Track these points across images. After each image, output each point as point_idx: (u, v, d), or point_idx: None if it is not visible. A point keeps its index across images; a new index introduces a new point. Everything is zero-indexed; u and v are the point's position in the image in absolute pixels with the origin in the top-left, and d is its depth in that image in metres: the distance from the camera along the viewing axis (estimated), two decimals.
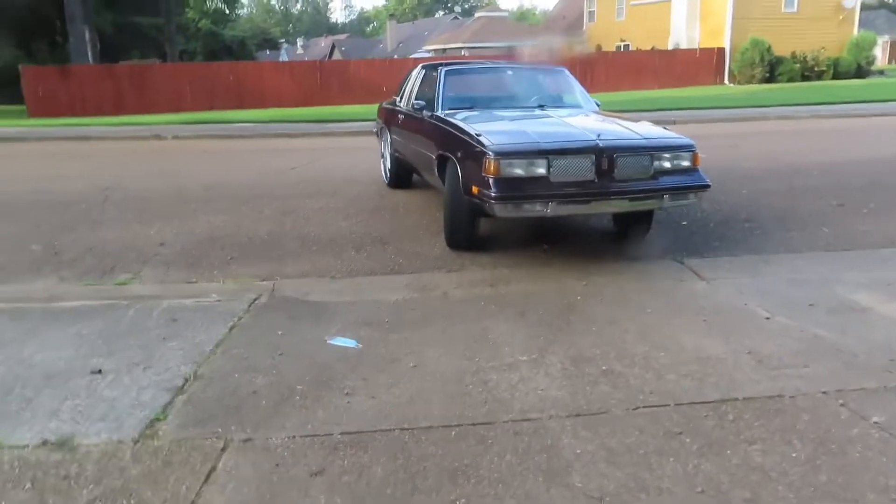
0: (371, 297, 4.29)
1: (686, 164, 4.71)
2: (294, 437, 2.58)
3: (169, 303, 4.10)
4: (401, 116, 6.97)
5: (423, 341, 3.47)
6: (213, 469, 2.39)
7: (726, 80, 28.45)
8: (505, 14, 49.24)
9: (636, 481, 2.26)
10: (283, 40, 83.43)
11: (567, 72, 6.77)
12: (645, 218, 5.39)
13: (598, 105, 6.28)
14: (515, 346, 3.37)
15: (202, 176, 8.76)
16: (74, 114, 19.50)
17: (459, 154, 4.89)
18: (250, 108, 20.68)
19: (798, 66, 28.13)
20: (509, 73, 6.72)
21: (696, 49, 28.31)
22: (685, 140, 4.79)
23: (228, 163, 10.12)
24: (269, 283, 4.58)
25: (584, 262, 4.93)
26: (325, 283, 4.60)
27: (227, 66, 21.79)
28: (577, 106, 6.17)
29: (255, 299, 4.15)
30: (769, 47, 27.48)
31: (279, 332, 3.60)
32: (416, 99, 6.33)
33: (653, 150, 4.64)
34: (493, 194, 4.42)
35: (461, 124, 5.16)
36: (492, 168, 4.45)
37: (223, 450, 2.51)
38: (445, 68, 6.33)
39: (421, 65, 7.32)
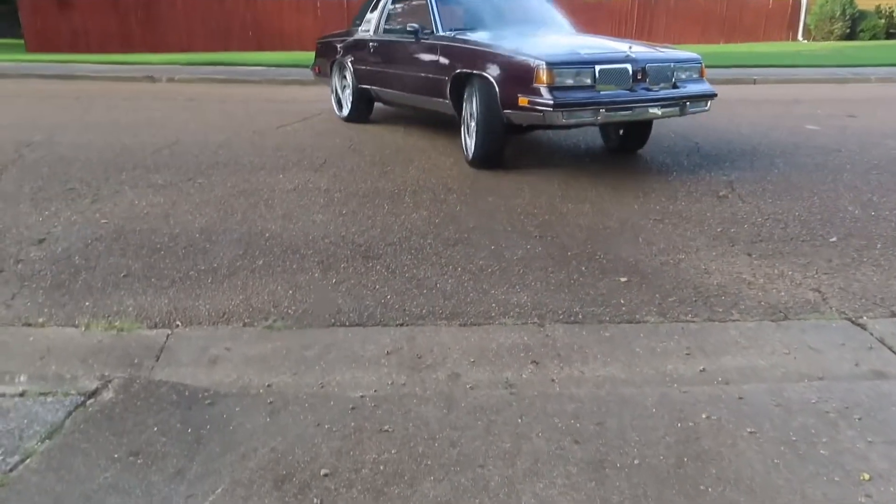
0: (320, 380, 2.36)
1: (696, 75, 5.25)
2: None
3: None
4: (373, 44, 6.84)
5: None
6: None
7: (800, 36, 25.31)
8: None
9: None
10: None
11: None
12: (645, 133, 5.89)
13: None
14: None
15: (166, 132, 6.83)
16: (77, 50, 17.58)
17: (495, 70, 5.02)
18: (268, 51, 18.59)
19: (883, 21, 24.84)
20: None
21: None
22: (694, 55, 5.35)
23: (210, 114, 8.19)
24: (160, 334, 2.72)
25: (686, 311, 2.90)
26: (252, 340, 2.68)
27: (244, 1, 19.55)
28: (569, 30, 6.46)
29: (91, 393, 2.21)
30: (852, 0, 24.25)
31: None
32: (405, 25, 6.18)
33: (672, 62, 5.10)
34: (549, 102, 4.62)
35: (490, 42, 5.32)
36: (545, 78, 4.66)
37: None
38: None
39: None
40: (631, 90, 4.83)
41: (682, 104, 5.00)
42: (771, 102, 9.40)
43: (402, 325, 2.81)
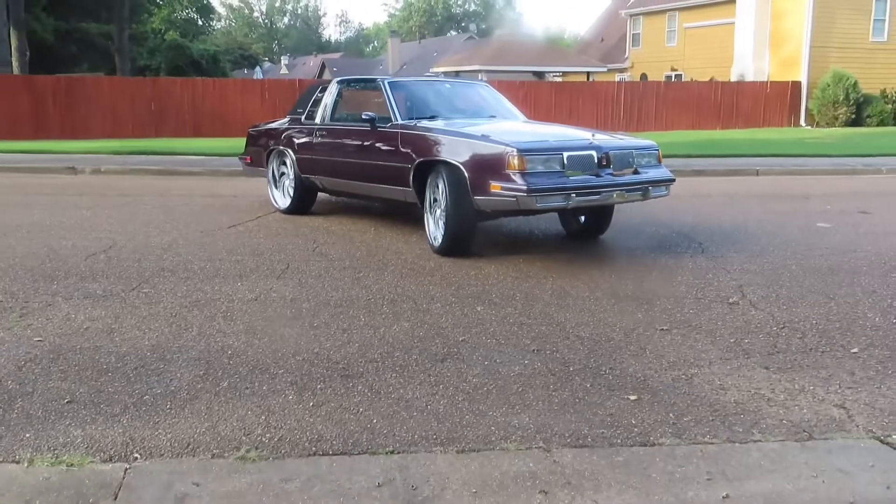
0: None
1: (654, 161, 6.37)
2: None
3: None
4: (320, 133, 7.79)
5: None
6: None
7: (802, 122, 27.09)
8: (532, 34, 48.52)
9: None
10: (265, 58, 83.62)
11: (492, 86, 8.60)
12: (607, 218, 6.96)
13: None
14: None
15: (99, 233, 7.06)
16: None
17: (464, 157, 5.94)
18: (208, 137, 19.19)
19: (891, 106, 26.71)
20: (447, 86, 8.53)
21: (766, 82, 27.00)
22: (652, 142, 6.54)
23: (149, 212, 8.47)
24: (116, 469, 2.81)
25: (704, 432, 3.11)
26: (224, 473, 2.81)
27: (181, 82, 20.36)
28: (517, 117, 7.78)
29: None
30: (855, 83, 26.14)
31: None
32: (358, 113, 7.12)
33: (632, 149, 6.22)
34: (523, 187, 5.49)
35: (456, 129, 6.40)
36: (517, 164, 5.56)
37: None
38: (388, 80, 7.48)
39: (336, 80, 8.32)
40: (597, 175, 5.83)
41: (644, 189, 6.08)
42: (777, 197, 10.02)
43: (392, 452, 2.96)
